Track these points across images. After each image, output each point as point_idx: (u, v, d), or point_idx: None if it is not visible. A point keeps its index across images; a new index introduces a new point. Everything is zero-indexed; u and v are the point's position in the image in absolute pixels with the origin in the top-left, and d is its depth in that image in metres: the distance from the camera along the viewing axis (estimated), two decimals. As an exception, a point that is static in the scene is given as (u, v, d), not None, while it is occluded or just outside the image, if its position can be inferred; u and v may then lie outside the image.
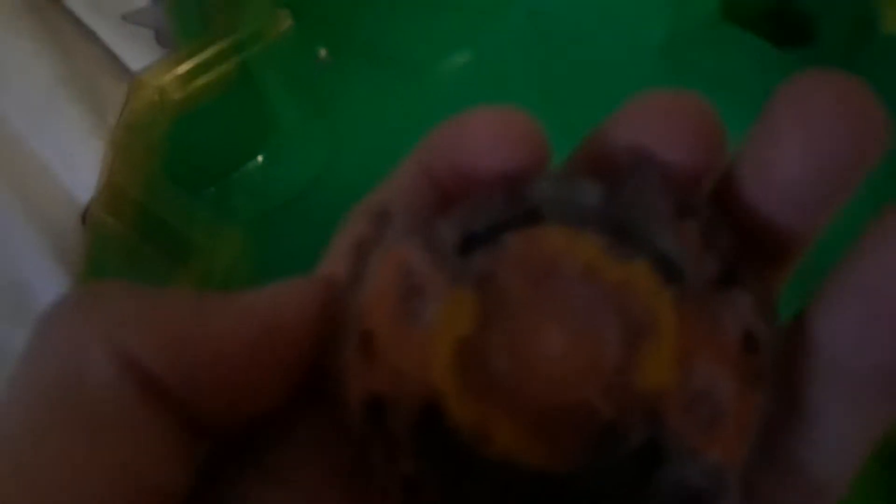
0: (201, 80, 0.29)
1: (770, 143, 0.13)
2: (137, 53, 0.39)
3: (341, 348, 0.12)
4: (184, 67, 0.28)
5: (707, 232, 0.12)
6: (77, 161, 0.37)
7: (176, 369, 0.11)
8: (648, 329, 0.12)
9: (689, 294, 0.12)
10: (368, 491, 0.12)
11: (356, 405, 0.12)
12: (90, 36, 0.40)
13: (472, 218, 0.13)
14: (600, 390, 0.12)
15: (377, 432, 0.12)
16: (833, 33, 0.33)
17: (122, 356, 0.11)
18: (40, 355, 0.12)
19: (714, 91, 0.38)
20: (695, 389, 0.12)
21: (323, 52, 0.37)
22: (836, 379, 0.12)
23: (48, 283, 0.35)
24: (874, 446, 0.13)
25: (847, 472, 0.13)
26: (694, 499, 0.12)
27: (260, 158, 0.35)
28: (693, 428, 0.12)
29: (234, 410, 0.12)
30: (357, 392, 0.12)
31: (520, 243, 0.12)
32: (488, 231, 0.13)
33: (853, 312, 0.12)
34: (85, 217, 0.37)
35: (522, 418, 0.12)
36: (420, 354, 0.12)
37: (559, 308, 0.12)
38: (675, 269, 0.12)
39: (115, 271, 0.27)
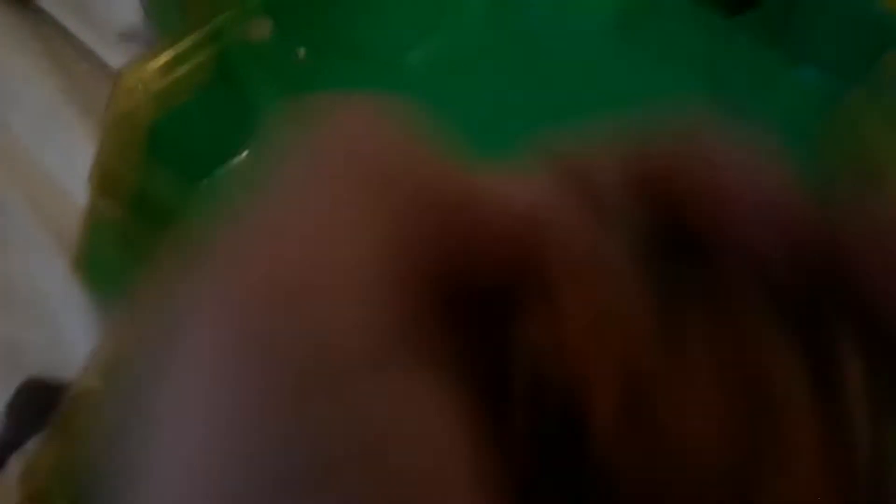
0: (181, 70, 0.31)
1: None
2: (132, 66, 0.42)
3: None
4: (163, 58, 0.30)
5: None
6: (80, 167, 0.40)
7: None
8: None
9: None
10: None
11: (523, 357, 0.12)
12: (87, 52, 0.43)
13: None
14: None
15: (530, 394, 0.12)
16: (775, -3, 0.35)
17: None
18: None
19: (666, 61, 0.40)
20: None
21: (301, 52, 0.39)
22: None
23: (56, 279, 0.37)
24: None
25: None
26: None
27: (245, 153, 0.37)
28: None
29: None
30: (526, 345, 0.12)
31: None
32: None
33: None
34: (88, 219, 0.39)
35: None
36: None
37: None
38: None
39: (110, 253, 0.29)
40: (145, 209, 0.29)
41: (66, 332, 0.37)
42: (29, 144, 0.41)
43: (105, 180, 0.28)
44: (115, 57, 0.42)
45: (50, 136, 0.40)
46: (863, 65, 0.31)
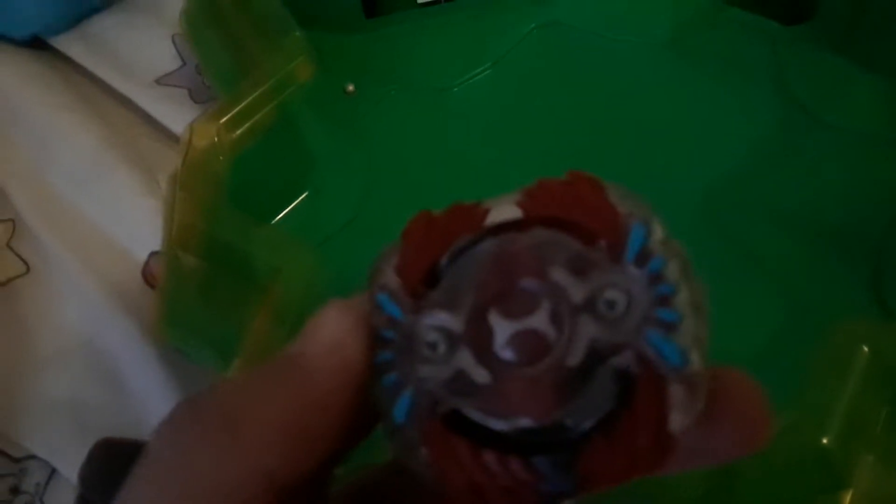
0: (248, 123, 0.30)
1: None
2: (173, 112, 0.41)
3: None
4: (232, 113, 0.30)
5: None
6: (130, 220, 0.39)
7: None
8: None
9: None
10: None
11: None
12: (126, 102, 0.42)
13: None
14: None
15: None
16: (835, 2, 0.34)
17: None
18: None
19: (723, 73, 0.40)
20: None
21: (350, 87, 0.39)
22: None
23: (117, 338, 0.37)
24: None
25: None
26: None
27: (305, 194, 0.36)
28: None
29: None
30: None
31: None
32: None
33: None
34: (145, 273, 0.38)
35: None
36: None
37: None
38: None
39: (192, 306, 0.29)
40: (220, 257, 0.28)
41: (130, 390, 0.36)
42: (76, 202, 0.40)
43: (183, 234, 0.27)
44: (154, 103, 0.42)
45: (97, 192, 0.39)
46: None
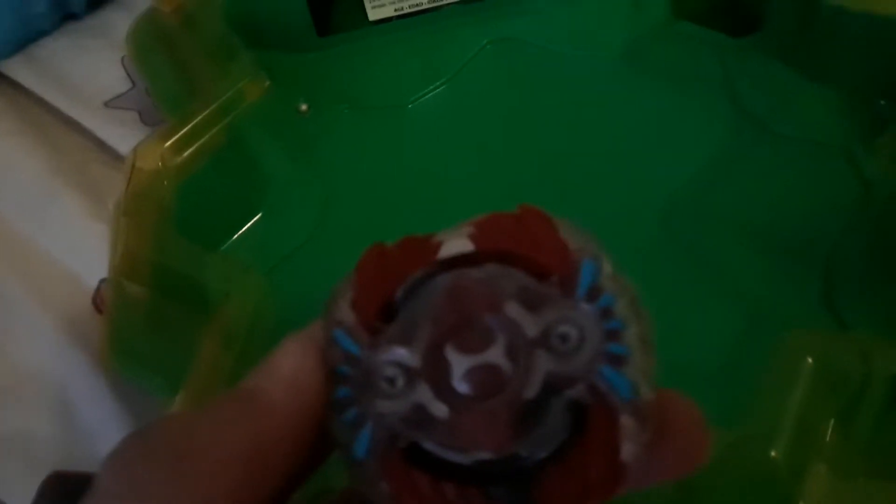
0: (195, 145, 0.30)
1: None
2: (123, 135, 0.40)
3: None
4: (177, 135, 0.29)
5: None
6: (81, 247, 0.38)
7: None
8: None
9: None
10: None
11: None
12: (75, 126, 0.41)
13: None
14: None
15: None
16: (781, 14, 0.35)
17: None
18: None
19: (676, 86, 0.40)
20: None
21: (304, 106, 0.38)
22: None
23: (67, 368, 0.36)
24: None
25: None
26: None
27: (259, 216, 0.36)
28: None
29: None
30: None
31: None
32: None
33: None
34: (96, 300, 0.37)
35: None
36: None
37: None
38: None
39: (139, 335, 0.28)
40: (171, 282, 0.28)
41: (81, 421, 0.35)
42: (25, 230, 0.39)
43: (129, 262, 0.27)
44: (103, 127, 0.41)
45: (47, 219, 0.39)
46: (880, 81, 0.31)
